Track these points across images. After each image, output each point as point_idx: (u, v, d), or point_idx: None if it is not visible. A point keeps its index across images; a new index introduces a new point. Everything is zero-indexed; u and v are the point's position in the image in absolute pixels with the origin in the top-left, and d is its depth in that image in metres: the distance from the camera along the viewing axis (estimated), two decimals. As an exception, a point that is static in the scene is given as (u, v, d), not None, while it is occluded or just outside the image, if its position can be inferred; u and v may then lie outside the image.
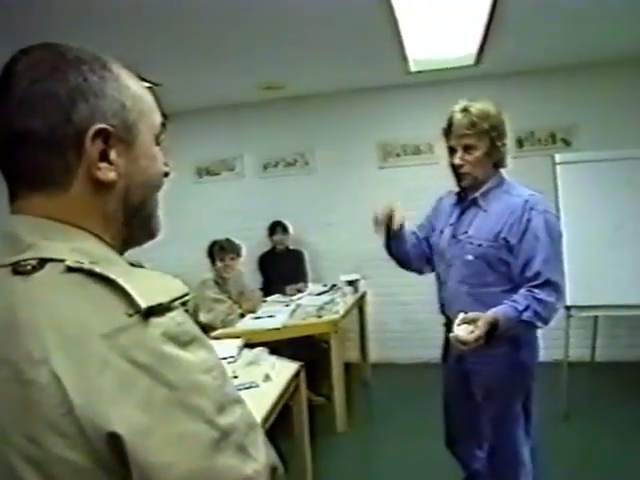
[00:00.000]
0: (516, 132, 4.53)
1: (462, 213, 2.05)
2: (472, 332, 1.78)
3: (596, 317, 3.99)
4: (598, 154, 3.74)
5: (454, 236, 2.03)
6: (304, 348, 3.57)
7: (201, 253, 4.11)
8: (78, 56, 0.65)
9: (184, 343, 0.57)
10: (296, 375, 2.51)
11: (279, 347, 2.96)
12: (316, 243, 5.10)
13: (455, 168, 1.99)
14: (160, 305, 0.56)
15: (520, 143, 4.60)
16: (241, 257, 4.00)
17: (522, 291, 1.85)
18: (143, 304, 0.55)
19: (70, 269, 0.58)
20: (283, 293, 4.32)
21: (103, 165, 0.65)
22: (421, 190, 4.74)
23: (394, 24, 3.07)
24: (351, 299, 4.15)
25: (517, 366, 1.97)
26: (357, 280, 4.30)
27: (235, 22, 3.02)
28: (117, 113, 0.66)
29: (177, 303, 0.59)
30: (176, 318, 0.58)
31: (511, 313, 1.81)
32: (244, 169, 5.32)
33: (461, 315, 1.83)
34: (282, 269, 4.65)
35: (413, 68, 4.12)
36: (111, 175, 0.65)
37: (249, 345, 2.86)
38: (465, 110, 1.91)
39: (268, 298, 4.28)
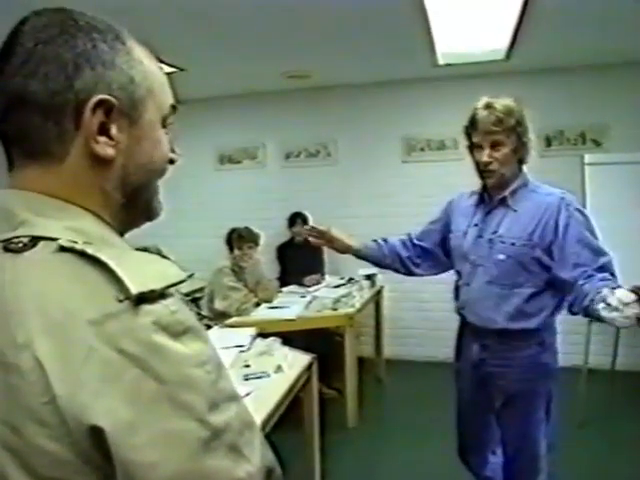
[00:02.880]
0: (545, 130, 4.42)
1: (487, 213, 1.98)
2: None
3: (619, 324, 3.87)
4: (629, 156, 3.64)
5: (480, 236, 1.97)
6: (318, 340, 3.54)
7: (219, 240, 4.11)
8: (91, 23, 0.62)
9: (177, 333, 0.53)
10: (308, 367, 2.49)
11: (293, 338, 2.93)
12: None
13: (479, 166, 1.93)
14: (153, 292, 0.52)
15: (548, 142, 4.48)
16: (259, 246, 4.00)
17: (596, 280, 1.71)
18: (134, 290, 0.51)
19: (62, 249, 0.54)
20: (300, 284, 4.30)
21: (102, 139, 0.61)
22: (444, 186, 4.64)
23: (424, 15, 3.00)
24: (368, 293, 4.11)
25: (541, 369, 1.92)
26: (375, 275, 4.23)
27: (261, 9, 2.98)
28: (124, 86, 0.63)
29: (172, 290, 0.55)
30: (169, 306, 0.54)
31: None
32: (266, 158, 5.29)
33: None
34: (300, 260, 4.61)
35: (441, 61, 4.03)
36: (109, 151, 0.62)
37: (263, 335, 2.84)
38: (489, 107, 1.84)
39: (284, 289, 4.26)
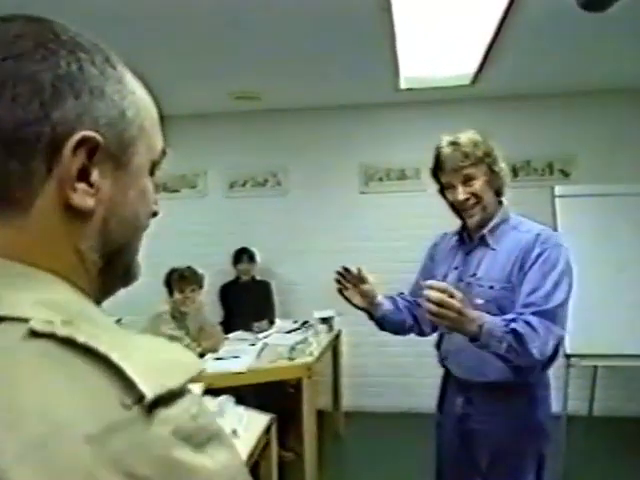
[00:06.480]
0: (511, 160, 4.48)
1: (467, 254, 2.00)
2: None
3: (595, 367, 3.98)
4: (603, 188, 3.78)
5: (460, 279, 1.96)
6: (271, 393, 3.45)
7: (155, 280, 3.92)
8: (75, 39, 0.55)
9: (200, 444, 0.45)
10: (267, 430, 2.40)
11: (242, 392, 2.81)
12: (286, 273, 5.02)
13: (455, 206, 1.95)
14: (171, 392, 0.44)
15: (515, 172, 4.61)
16: (203, 288, 3.87)
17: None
18: (149, 392, 0.42)
19: (35, 334, 0.44)
20: (246, 329, 4.19)
21: (81, 186, 0.53)
22: (406, 219, 4.76)
23: (391, 35, 3.03)
24: (325, 339, 4.04)
25: (532, 426, 1.90)
26: (332, 317, 4.20)
27: (207, 22, 2.93)
28: (113, 122, 0.56)
29: (189, 386, 0.46)
30: (190, 409, 0.45)
31: (498, 320, 1.72)
32: (207, 187, 5.21)
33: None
34: (246, 302, 4.55)
35: (403, 85, 4.09)
36: (89, 202, 0.54)
37: (210, 391, 2.70)
38: (453, 143, 1.90)
39: (230, 335, 4.14)
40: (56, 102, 0.51)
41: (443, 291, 1.64)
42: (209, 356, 3.59)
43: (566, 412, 3.53)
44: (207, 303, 4.33)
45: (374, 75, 3.96)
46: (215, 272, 4.63)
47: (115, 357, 0.42)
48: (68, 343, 0.43)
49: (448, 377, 2.09)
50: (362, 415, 4.63)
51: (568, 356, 3.49)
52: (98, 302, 0.60)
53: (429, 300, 1.64)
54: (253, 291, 4.70)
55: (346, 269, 2.04)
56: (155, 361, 0.46)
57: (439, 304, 1.63)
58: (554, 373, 3.49)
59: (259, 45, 3.32)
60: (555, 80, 4.15)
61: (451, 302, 1.63)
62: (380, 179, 4.91)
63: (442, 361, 2.08)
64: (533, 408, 1.90)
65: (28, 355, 0.43)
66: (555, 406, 3.45)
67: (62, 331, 0.43)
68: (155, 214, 0.66)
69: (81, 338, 0.43)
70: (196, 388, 2.63)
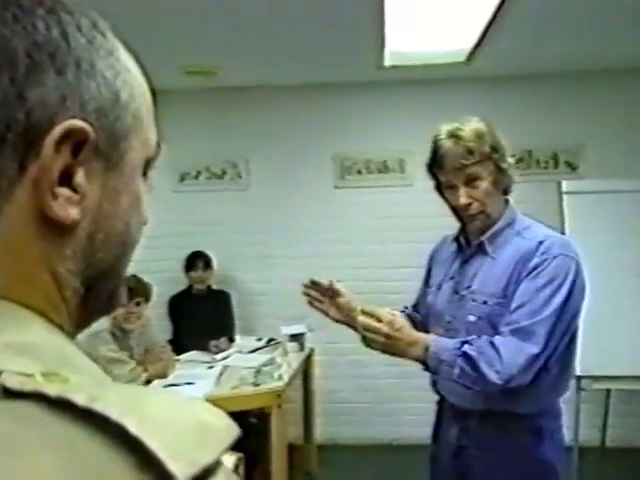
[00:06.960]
0: (510, 150, 4.53)
1: (465, 262, 2.01)
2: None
3: (608, 390, 3.99)
4: (616, 183, 3.78)
5: (456, 292, 1.98)
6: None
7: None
8: None
9: None
10: (234, 471, 2.27)
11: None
12: (248, 282, 4.98)
13: (457, 210, 1.95)
14: (206, 471, 0.39)
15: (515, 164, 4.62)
16: (150, 301, 3.76)
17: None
18: (180, 473, 0.36)
19: (9, 393, 0.39)
20: (201, 348, 4.15)
21: (62, 192, 0.50)
22: (387, 218, 4.79)
23: (379, 1, 2.95)
24: (296, 359, 3.99)
25: (537, 464, 1.88)
26: (303, 334, 4.16)
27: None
28: (105, 108, 0.52)
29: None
30: None
31: (451, 343, 1.81)
32: (153, 179, 4.96)
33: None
34: (201, 316, 4.47)
35: (388, 62, 4.04)
36: (72, 212, 0.51)
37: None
38: (454, 136, 1.86)
39: (182, 356, 4.07)
40: (33, 78, 0.48)
41: (371, 315, 1.79)
42: (157, 382, 3.50)
43: (578, 443, 3.53)
44: (154, 318, 4.22)
45: (353, 49, 3.89)
46: (163, 281, 4.54)
47: (131, 425, 0.38)
48: (62, 406, 0.39)
49: (442, 403, 2.10)
50: (337, 449, 4.62)
51: (578, 378, 3.47)
52: (72, 337, 0.56)
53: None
54: (209, 303, 4.64)
55: (314, 282, 2.15)
56: (181, 427, 0.41)
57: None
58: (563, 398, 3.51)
59: (216, 9, 3.20)
60: (562, 58, 4.14)
61: (376, 326, 1.76)
62: (358, 172, 4.88)
63: (434, 385, 2.10)
64: (539, 443, 1.87)
65: (6, 425, 0.38)
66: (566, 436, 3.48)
67: (51, 390, 0.39)
68: (145, 222, 0.65)
69: (80, 400, 0.39)
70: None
